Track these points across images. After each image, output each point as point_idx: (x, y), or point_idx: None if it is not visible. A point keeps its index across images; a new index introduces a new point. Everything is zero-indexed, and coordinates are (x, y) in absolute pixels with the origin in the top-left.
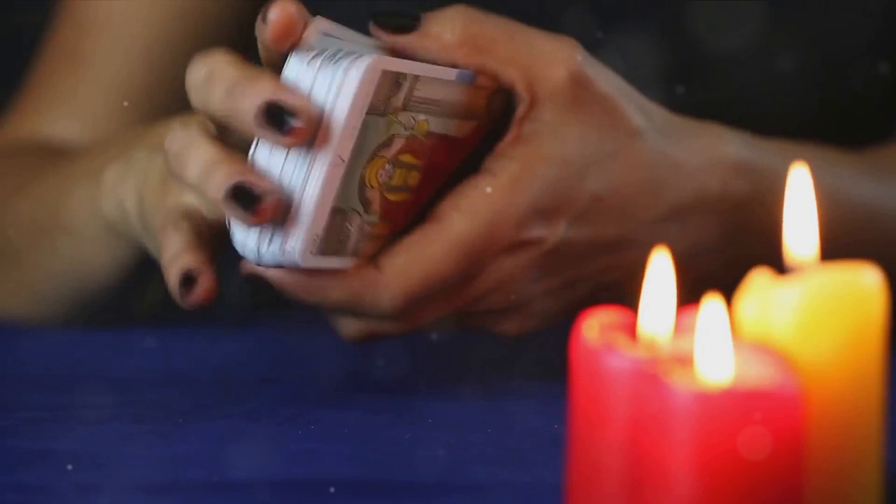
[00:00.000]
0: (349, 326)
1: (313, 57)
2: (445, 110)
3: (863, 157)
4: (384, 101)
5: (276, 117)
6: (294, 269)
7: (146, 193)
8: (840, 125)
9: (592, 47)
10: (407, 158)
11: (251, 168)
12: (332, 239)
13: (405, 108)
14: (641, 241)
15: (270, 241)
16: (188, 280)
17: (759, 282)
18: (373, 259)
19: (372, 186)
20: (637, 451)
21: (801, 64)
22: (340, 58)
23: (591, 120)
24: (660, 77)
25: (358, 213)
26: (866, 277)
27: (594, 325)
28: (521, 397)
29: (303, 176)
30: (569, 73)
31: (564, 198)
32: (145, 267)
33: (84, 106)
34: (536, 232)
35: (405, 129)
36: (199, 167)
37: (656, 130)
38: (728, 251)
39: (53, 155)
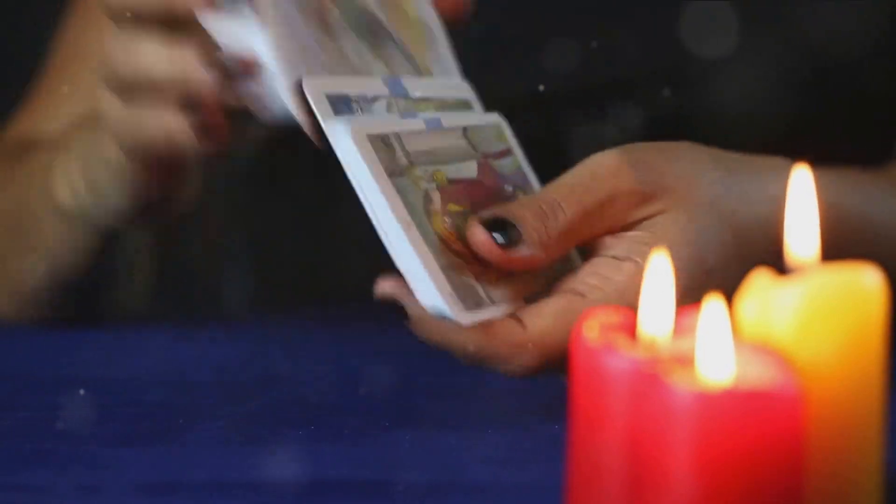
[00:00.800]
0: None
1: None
2: (443, 157)
3: (874, 174)
4: (391, 161)
5: None
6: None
7: (86, 151)
8: (835, 127)
9: (585, 53)
10: (453, 207)
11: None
12: (466, 294)
13: (412, 163)
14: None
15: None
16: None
17: (759, 282)
18: (515, 315)
19: (449, 239)
20: (637, 451)
21: (792, 68)
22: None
23: (693, 211)
24: (647, 79)
25: (462, 265)
26: (866, 277)
27: (594, 325)
28: (521, 397)
29: (398, 252)
30: (631, 189)
31: (688, 277)
32: (108, 256)
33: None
34: None
35: (429, 181)
36: (157, 54)
37: (728, 183)
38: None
39: (28, 150)
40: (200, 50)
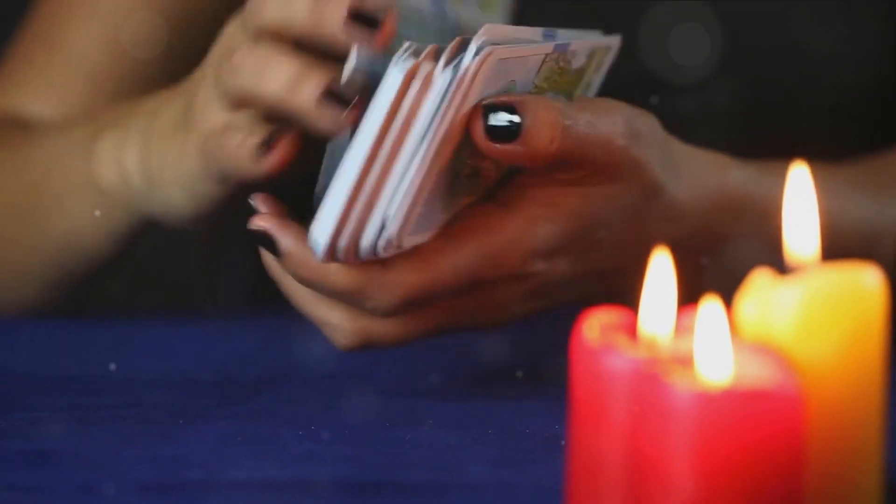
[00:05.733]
0: (342, 334)
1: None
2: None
3: (862, 170)
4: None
5: (365, 20)
6: (307, 248)
7: (154, 146)
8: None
9: None
10: None
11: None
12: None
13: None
14: (631, 270)
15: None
16: (268, 143)
17: (759, 282)
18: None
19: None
20: (637, 451)
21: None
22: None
23: (619, 182)
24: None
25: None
26: (866, 277)
27: (594, 325)
28: (521, 397)
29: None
30: (615, 144)
31: (572, 241)
32: (128, 245)
33: (58, 85)
34: (538, 266)
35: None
36: (286, 77)
37: (672, 175)
38: (722, 273)
39: (26, 130)
40: (327, 81)
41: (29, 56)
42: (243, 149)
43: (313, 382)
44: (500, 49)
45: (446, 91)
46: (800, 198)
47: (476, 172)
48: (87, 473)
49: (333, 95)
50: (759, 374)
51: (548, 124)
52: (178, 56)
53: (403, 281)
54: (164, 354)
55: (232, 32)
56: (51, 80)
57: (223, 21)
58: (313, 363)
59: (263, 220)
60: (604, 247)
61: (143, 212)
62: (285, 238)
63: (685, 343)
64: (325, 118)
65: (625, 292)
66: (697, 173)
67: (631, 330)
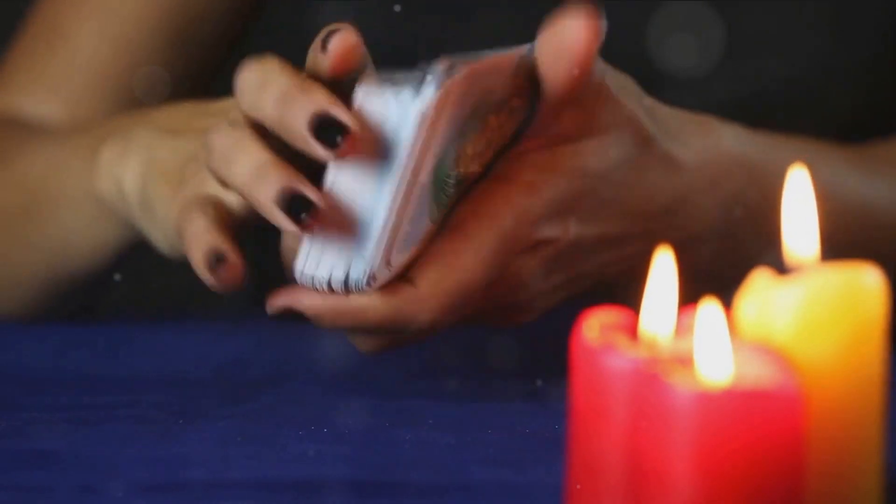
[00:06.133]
0: (367, 339)
1: (381, 84)
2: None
3: (856, 151)
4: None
5: (327, 131)
6: (333, 296)
7: (152, 180)
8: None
9: None
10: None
11: (303, 177)
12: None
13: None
14: (640, 234)
15: (334, 265)
16: (216, 260)
17: (759, 282)
18: (404, 276)
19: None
20: (637, 451)
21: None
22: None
23: (608, 132)
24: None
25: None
26: (866, 277)
27: (594, 325)
28: (521, 397)
29: (373, 198)
30: (588, 86)
31: (575, 200)
32: (123, 255)
33: (59, 84)
34: (550, 231)
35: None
36: (248, 169)
37: (662, 131)
38: (723, 242)
39: (26, 132)
40: (285, 182)
41: (31, 54)
42: (198, 255)
43: (313, 382)
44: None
45: (420, 120)
46: (799, 198)
47: (461, 180)
48: (87, 473)
49: (293, 196)
50: (759, 374)
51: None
52: (183, 54)
53: (435, 294)
54: (164, 354)
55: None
56: (54, 79)
57: (227, 20)
58: (313, 363)
59: (278, 300)
60: (611, 205)
61: (137, 228)
62: (304, 302)
63: (685, 343)
64: (280, 219)
65: (643, 267)
66: (686, 129)
67: (631, 330)
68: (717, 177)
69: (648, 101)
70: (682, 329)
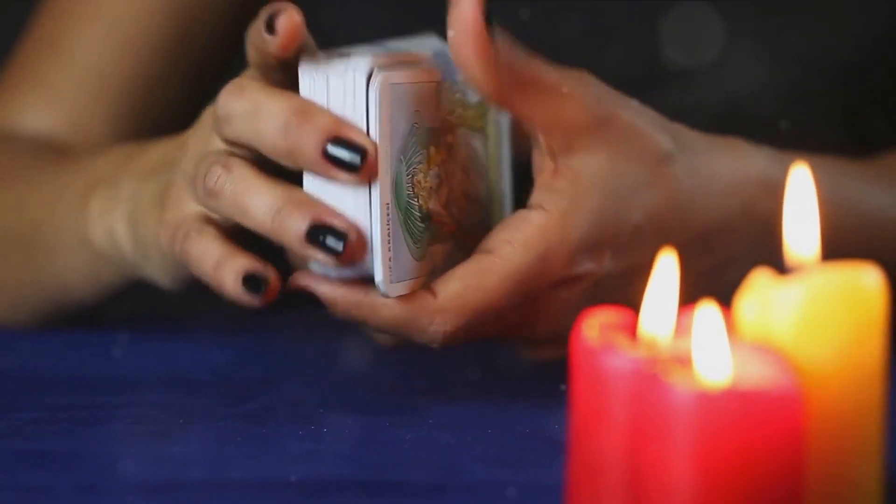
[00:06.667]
0: (378, 334)
1: (321, 66)
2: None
3: (872, 165)
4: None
5: (338, 156)
6: (350, 287)
7: (139, 217)
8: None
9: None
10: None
11: (326, 207)
12: (396, 266)
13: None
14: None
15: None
16: (252, 280)
17: (759, 282)
18: (427, 285)
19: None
20: (637, 450)
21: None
22: (348, 65)
23: (621, 150)
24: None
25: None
26: (866, 277)
27: (594, 325)
28: (521, 397)
29: (364, 206)
30: (587, 109)
31: (610, 231)
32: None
33: (61, 95)
34: (585, 266)
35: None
36: (268, 211)
37: (684, 150)
38: (754, 265)
39: (31, 153)
40: (311, 219)
41: (32, 66)
42: (225, 283)
43: (313, 382)
44: (391, 74)
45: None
46: (800, 197)
47: (428, 216)
48: (87, 473)
49: (323, 229)
50: (759, 374)
51: (480, 66)
52: (184, 60)
53: (453, 307)
54: (164, 355)
55: (210, 124)
56: (55, 89)
57: (228, 25)
58: (313, 363)
59: (299, 280)
60: (644, 234)
61: (134, 274)
62: (322, 287)
63: (685, 343)
64: (313, 254)
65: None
66: (715, 151)
67: (631, 330)
68: (749, 201)
69: (667, 123)
70: (682, 329)
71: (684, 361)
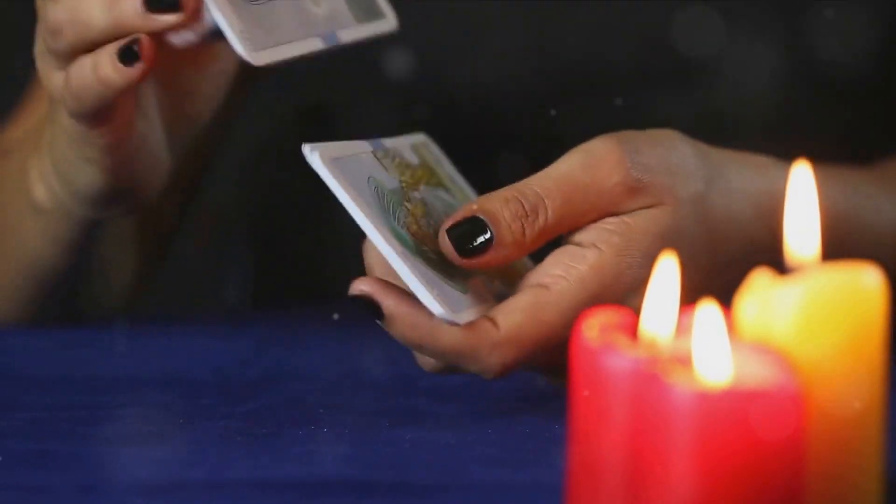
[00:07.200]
0: (431, 360)
1: None
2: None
3: (873, 171)
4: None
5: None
6: (416, 305)
7: (52, 148)
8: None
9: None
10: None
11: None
12: (450, 297)
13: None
14: (707, 290)
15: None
16: (126, 53)
17: (759, 282)
18: (486, 315)
19: (424, 240)
20: (637, 450)
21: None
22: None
23: (666, 202)
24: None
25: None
26: (866, 277)
27: (594, 325)
28: (521, 397)
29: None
30: (623, 181)
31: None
32: (90, 253)
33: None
34: (633, 304)
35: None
36: (102, 7)
37: (712, 181)
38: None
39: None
40: None
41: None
42: (103, 68)
43: (313, 382)
44: (328, 148)
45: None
46: (801, 197)
47: (444, 256)
48: (87, 473)
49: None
50: (759, 374)
51: (512, 221)
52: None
53: (514, 340)
54: (164, 354)
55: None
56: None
57: None
58: (313, 363)
59: (364, 284)
60: (687, 268)
61: (77, 214)
62: (388, 300)
63: (685, 343)
64: (156, 23)
65: None
66: (745, 172)
67: (631, 330)
68: (775, 223)
69: (699, 149)
70: (682, 329)
71: (684, 361)
